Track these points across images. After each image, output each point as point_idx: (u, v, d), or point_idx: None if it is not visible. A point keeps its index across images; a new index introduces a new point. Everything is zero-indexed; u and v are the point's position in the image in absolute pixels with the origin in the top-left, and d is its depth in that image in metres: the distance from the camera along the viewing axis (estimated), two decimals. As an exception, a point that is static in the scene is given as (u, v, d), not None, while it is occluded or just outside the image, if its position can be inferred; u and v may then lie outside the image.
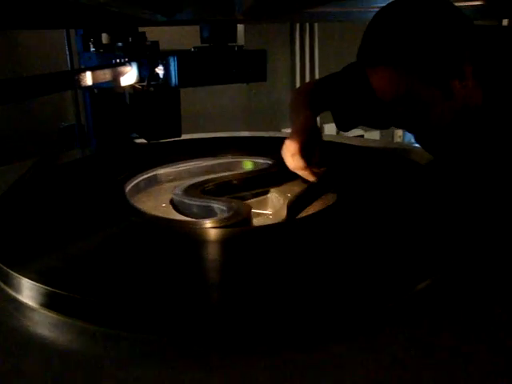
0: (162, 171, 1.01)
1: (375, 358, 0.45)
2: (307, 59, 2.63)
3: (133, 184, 0.93)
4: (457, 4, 0.80)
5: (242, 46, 1.04)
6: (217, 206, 0.80)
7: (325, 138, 0.94)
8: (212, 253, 0.66)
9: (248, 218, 0.75)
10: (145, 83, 0.93)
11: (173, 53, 0.91)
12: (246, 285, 0.55)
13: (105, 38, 1.21)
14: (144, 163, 1.01)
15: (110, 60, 1.07)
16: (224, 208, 0.79)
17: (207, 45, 0.99)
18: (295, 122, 0.93)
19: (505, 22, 2.57)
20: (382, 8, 0.81)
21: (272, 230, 0.73)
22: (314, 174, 0.87)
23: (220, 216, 0.76)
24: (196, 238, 0.68)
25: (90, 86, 1.17)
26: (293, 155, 0.86)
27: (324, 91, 1.05)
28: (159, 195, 0.93)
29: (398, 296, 0.53)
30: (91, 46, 1.21)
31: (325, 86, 1.06)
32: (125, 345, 0.48)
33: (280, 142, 0.90)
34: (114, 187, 0.87)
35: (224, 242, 0.67)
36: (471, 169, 0.95)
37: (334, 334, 0.48)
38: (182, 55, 0.91)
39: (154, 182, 0.99)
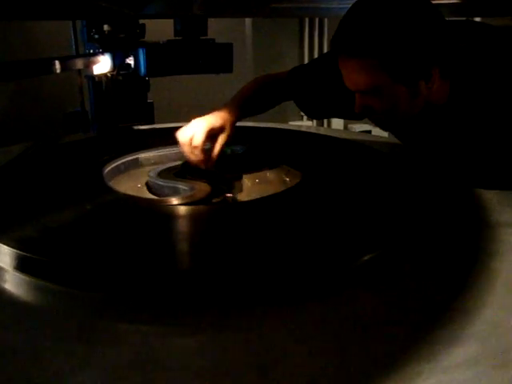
0: (143, 155, 1.07)
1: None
2: (316, 54, 2.68)
3: (114, 166, 0.99)
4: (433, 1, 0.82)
5: (213, 39, 1.12)
6: (181, 186, 0.89)
7: (331, 132, 0.93)
8: (166, 225, 0.71)
9: (206, 196, 0.83)
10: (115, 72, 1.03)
11: (142, 44, 1.00)
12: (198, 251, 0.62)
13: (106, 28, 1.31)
14: (129, 147, 1.06)
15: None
16: (186, 188, 0.87)
17: (179, 38, 1.08)
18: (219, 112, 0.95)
19: None
20: None
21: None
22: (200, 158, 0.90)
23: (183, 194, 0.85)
24: (155, 213, 0.75)
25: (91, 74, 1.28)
26: (196, 133, 0.88)
27: (290, 82, 1.10)
28: (139, 177, 1.00)
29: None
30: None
31: (292, 77, 1.12)
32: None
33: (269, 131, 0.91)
34: (95, 168, 0.93)
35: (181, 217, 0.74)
36: (435, 157, 0.99)
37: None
38: (151, 47, 1.01)
39: (135, 164, 1.05)
